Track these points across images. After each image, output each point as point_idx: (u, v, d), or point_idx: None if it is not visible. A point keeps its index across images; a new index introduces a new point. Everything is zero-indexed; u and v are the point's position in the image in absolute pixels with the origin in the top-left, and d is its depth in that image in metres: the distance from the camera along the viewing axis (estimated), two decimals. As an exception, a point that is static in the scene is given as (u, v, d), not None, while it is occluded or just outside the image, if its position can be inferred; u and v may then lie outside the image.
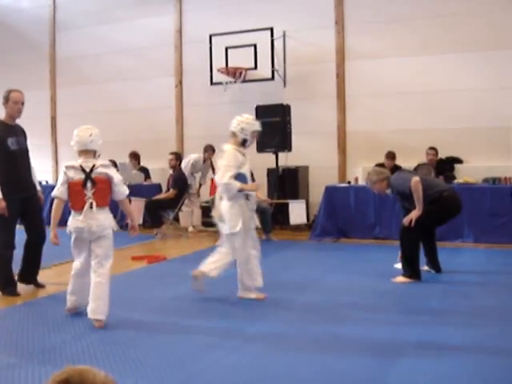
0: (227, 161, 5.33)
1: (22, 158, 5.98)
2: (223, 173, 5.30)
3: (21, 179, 5.94)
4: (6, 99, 5.85)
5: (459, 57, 10.13)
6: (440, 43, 10.25)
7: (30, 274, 6.17)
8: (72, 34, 13.40)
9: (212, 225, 10.55)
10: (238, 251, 5.45)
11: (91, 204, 4.77)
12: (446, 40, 10.22)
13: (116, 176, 4.93)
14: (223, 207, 5.44)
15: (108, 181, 4.88)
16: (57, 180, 5.27)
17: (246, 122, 5.50)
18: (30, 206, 6.03)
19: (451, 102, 10.14)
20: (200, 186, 11.27)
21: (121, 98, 12.86)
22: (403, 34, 10.52)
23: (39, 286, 6.20)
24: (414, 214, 6.11)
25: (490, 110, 9.92)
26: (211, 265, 5.56)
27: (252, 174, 5.52)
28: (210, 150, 10.87)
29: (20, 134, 6.03)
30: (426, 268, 6.51)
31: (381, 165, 9.90)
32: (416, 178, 6.11)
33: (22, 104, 5.94)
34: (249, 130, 5.48)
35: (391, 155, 9.73)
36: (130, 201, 5.87)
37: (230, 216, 5.38)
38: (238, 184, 5.28)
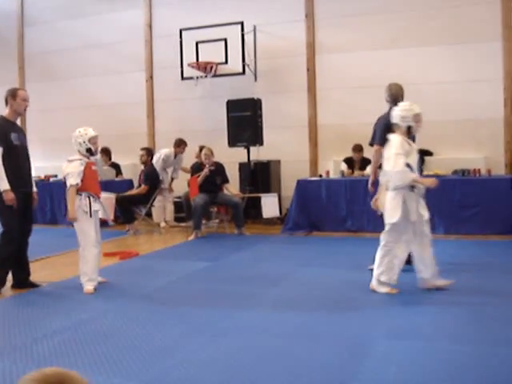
0: (395, 149, 5.21)
1: (23, 154, 6.03)
2: (395, 161, 5.16)
3: (23, 174, 6.00)
4: (14, 96, 5.92)
5: (428, 50, 10.22)
6: (410, 37, 10.33)
7: (21, 276, 6.08)
8: (41, 28, 13.26)
9: (184, 220, 10.60)
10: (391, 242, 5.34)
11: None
12: (415, 33, 10.31)
13: (65, 170, 5.87)
14: (386, 197, 5.31)
15: None
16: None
17: (404, 109, 5.38)
18: (28, 203, 6.06)
19: (421, 95, 10.15)
20: (172, 180, 11.22)
21: (91, 93, 12.76)
22: (373, 28, 10.58)
23: (34, 286, 6.08)
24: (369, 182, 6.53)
25: (459, 103, 10.03)
26: (380, 270, 5.40)
27: (418, 163, 5.47)
28: (182, 144, 10.81)
29: (20, 131, 6.15)
30: None
31: (349, 158, 9.98)
32: (376, 148, 6.29)
33: (28, 101, 6.07)
34: (409, 115, 5.33)
35: (358, 148, 9.76)
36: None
37: (390, 206, 5.26)
38: (413, 175, 5.16)
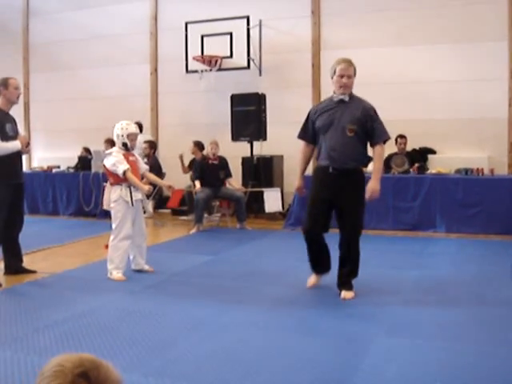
0: None
1: None
2: None
3: (15, 166, 6.03)
4: (6, 85, 5.91)
5: (433, 48, 10.20)
6: (415, 34, 10.31)
7: (14, 262, 6.16)
8: (45, 19, 13.23)
9: (186, 213, 10.58)
10: None
11: None
12: (420, 31, 10.28)
13: (106, 162, 6.08)
14: None
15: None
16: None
17: None
18: (19, 193, 6.12)
19: (425, 93, 10.22)
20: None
21: (95, 84, 12.74)
22: (378, 25, 10.55)
23: (29, 271, 6.18)
24: (375, 186, 5.11)
25: (462, 102, 10.01)
26: None
27: None
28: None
29: (13, 122, 6.16)
30: None
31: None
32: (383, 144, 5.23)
33: (20, 89, 6.13)
34: None
35: None
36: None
37: None
38: None
